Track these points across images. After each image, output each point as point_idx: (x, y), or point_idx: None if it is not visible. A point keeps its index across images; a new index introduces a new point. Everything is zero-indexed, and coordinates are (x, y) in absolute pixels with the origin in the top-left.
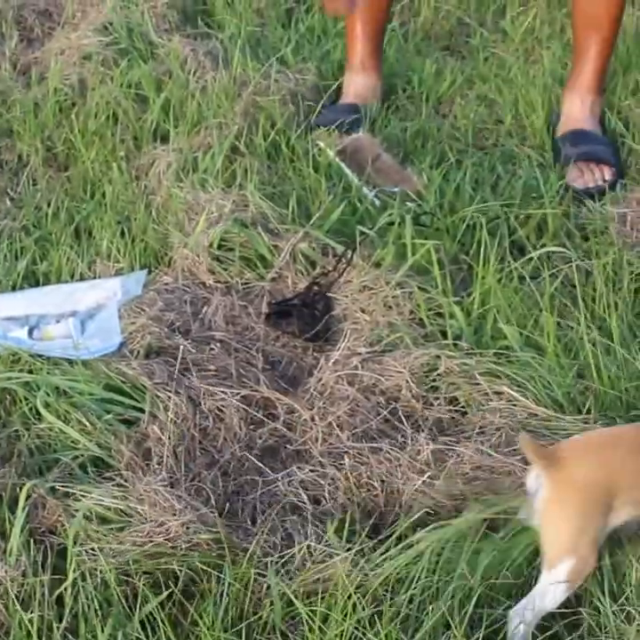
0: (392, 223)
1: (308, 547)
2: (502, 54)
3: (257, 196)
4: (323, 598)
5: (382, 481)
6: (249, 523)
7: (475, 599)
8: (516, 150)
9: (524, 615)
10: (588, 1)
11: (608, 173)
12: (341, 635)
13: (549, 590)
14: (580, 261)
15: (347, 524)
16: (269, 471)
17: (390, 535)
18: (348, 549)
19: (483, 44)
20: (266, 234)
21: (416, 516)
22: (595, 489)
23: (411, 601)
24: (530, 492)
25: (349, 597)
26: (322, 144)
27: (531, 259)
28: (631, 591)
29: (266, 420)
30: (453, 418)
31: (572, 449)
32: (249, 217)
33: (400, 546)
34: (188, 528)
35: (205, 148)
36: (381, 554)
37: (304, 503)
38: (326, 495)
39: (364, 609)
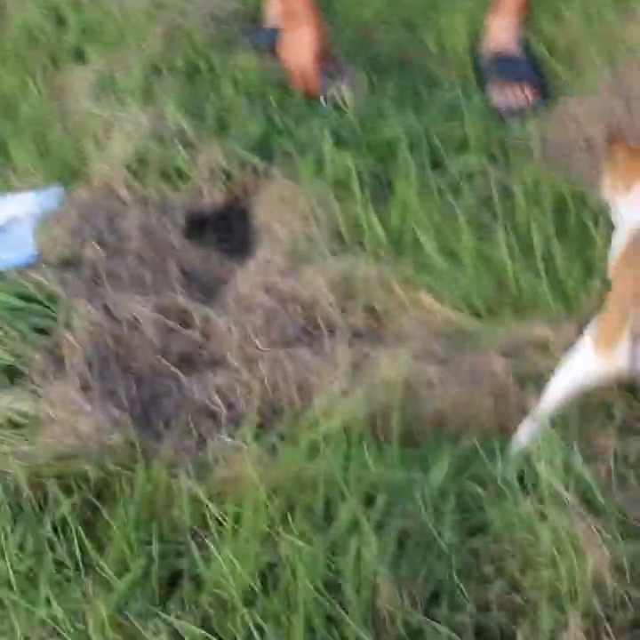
0: (312, 138)
1: (220, 448)
2: None
3: (175, 112)
4: (234, 498)
5: (299, 386)
6: (163, 427)
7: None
8: (439, 73)
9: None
10: None
11: (531, 94)
12: (254, 533)
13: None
14: (500, 176)
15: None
16: (184, 377)
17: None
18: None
19: None
20: (183, 148)
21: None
22: None
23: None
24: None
25: (259, 496)
26: None
27: (450, 173)
28: None
29: (181, 328)
30: (371, 326)
31: None
32: (167, 132)
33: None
34: (99, 430)
35: (124, 68)
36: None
37: (218, 407)
38: (241, 400)
39: (274, 507)
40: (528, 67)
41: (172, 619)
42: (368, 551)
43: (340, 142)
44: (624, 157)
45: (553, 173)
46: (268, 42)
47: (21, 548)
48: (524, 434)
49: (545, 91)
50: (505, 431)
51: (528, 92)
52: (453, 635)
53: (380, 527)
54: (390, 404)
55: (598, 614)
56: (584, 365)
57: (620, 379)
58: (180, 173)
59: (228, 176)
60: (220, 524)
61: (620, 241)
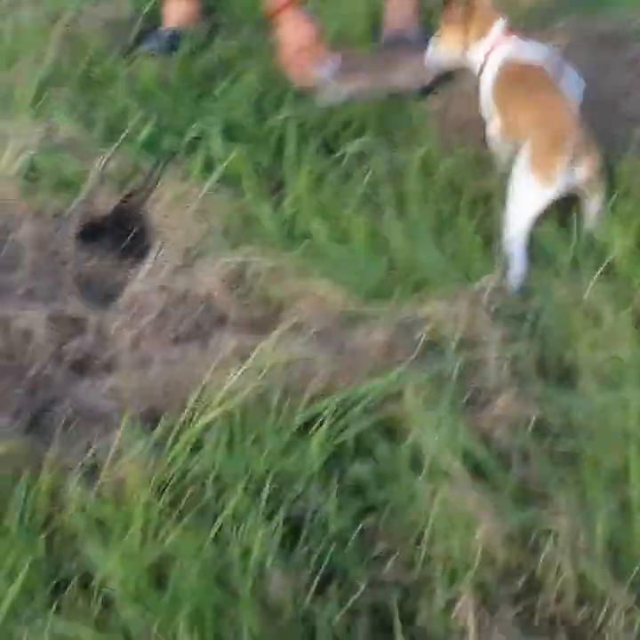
0: (199, 137)
1: (109, 450)
2: None
3: (66, 122)
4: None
5: (189, 382)
6: (56, 434)
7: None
8: None
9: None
10: None
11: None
12: (143, 531)
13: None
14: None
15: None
16: (76, 383)
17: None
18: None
19: None
20: (75, 158)
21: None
22: None
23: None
24: None
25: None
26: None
27: (343, 158)
28: None
29: (74, 335)
30: (266, 317)
31: None
32: (59, 143)
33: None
34: None
35: (20, 82)
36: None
37: (109, 410)
38: (132, 400)
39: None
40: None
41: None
42: (255, 540)
43: (231, 137)
44: (466, 13)
45: (450, 149)
46: (165, 44)
47: None
48: (512, 278)
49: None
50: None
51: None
52: (343, 616)
53: (269, 515)
54: (271, 388)
55: (490, 585)
56: (527, 200)
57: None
58: (73, 183)
59: (121, 180)
60: (108, 525)
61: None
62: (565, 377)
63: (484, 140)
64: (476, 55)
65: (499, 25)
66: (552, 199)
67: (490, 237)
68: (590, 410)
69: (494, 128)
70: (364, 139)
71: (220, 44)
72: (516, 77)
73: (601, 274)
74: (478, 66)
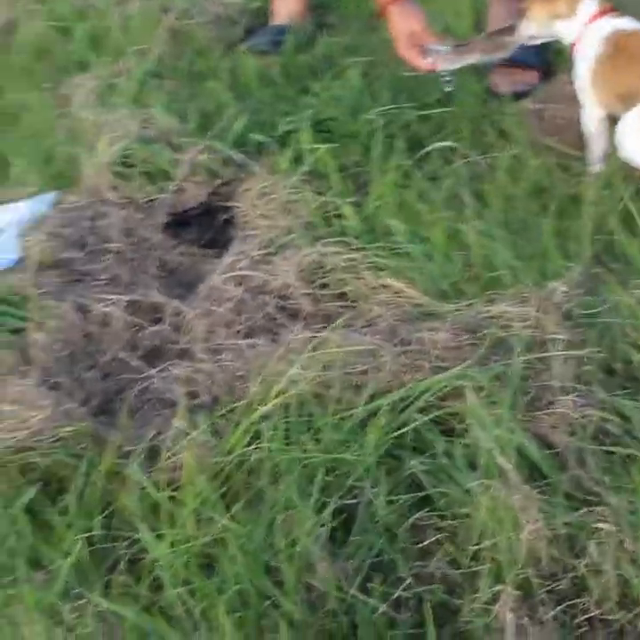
0: (291, 131)
1: (172, 436)
2: None
3: (163, 113)
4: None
5: (257, 373)
6: (125, 419)
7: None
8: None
9: None
10: None
11: (533, 77)
12: (195, 517)
13: None
14: (481, 157)
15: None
16: (147, 370)
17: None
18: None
19: None
20: (168, 149)
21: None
22: None
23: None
24: None
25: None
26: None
27: (429, 157)
28: None
29: (152, 322)
30: (341, 312)
31: None
32: (154, 134)
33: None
34: (52, 422)
35: (125, 74)
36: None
37: (177, 397)
38: (202, 389)
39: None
40: (531, 50)
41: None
42: (303, 531)
43: (322, 133)
44: None
45: (542, 152)
46: (271, 40)
47: None
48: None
49: (548, 73)
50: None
51: (531, 75)
52: (386, 608)
53: (320, 507)
54: (333, 380)
55: (534, 584)
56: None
57: None
58: (165, 173)
59: (212, 173)
60: (163, 509)
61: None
62: (632, 380)
63: (577, 143)
64: (570, 28)
65: (589, 3)
66: None
67: (569, 240)
68: None
69: (595, 101)
70: (451, 138)
71: (325, 42)
72: (627, 48)
73: None
74: (573, 38)
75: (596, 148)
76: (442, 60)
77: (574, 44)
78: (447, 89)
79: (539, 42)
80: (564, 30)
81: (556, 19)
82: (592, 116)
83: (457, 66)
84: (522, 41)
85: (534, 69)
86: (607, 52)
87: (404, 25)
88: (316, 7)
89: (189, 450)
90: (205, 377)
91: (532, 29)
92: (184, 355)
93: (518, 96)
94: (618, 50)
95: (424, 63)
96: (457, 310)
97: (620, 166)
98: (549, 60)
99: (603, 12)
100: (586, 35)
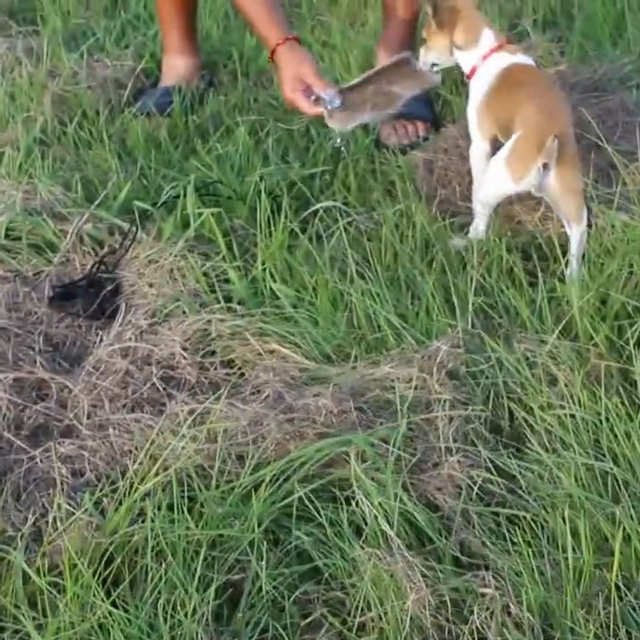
0: (177, 196)
1: (57, 517)
2: (330, 20)
3: (47, 183)
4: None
5: (142, 448)
6: (12, 502)
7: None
8: None
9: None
10: None
11: (422, 129)
12: (77, 602)
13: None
14: (367, 215)
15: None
16: (32, 450)
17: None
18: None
19: (312, 13)
20: (53, 219)
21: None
22: None
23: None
24: None
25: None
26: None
27: (315, 217)
28: None
29: (37, 400)
30: (228, 380)
31: None
32: (38, 204)
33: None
34: None
35: (11, 143)
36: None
37: (63, 477)
38: (87, 467)
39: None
40: (418, 100)
41: None
42: (187, 611)
43: (207, 197)
44: (453, 18)
45: (427, 207)
46: (159, 102)
47: None
48: (473, 228)
49: (437, 125)
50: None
51: (419, 127)
52: None
53: (205, 584)
54: (217, 452)
55: None
56: (498, 183)
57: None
58: (51, 244)
59: (98, 242)
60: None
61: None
62: (517, 438)
63: (466, 195)
64: (467, 59)
65: (490, 33)
66: (522, 191)
67: (454, 296)
68: (537, 473)
69: (483, 126)
70: (338, 197)
71: (214, 101)
72: (515, 79)
73: (563, 330)
74: (468, 69)
75: (479, 169)
76: (335, 120)
77: (470, 76)
78: (336, 146)
79: (439, 68)
80: (462, 61)
81: (454, 49)
82: (479, 152)
83: (349, 127)
84: (411, 92)
85: (423, 121)
86: (497, 86)
87: (292, 67)
88: (205, 66)
89: (71, 532)
90: (90, 454)
91: (432, 57)
92: (70, 432)
93: (407, 149)
94: (505, 82)
95: (310, 107)
96: (342, 373)
97: (502, 222)
98: (435, 112)
99: (500, 46)
100: (481, 67)
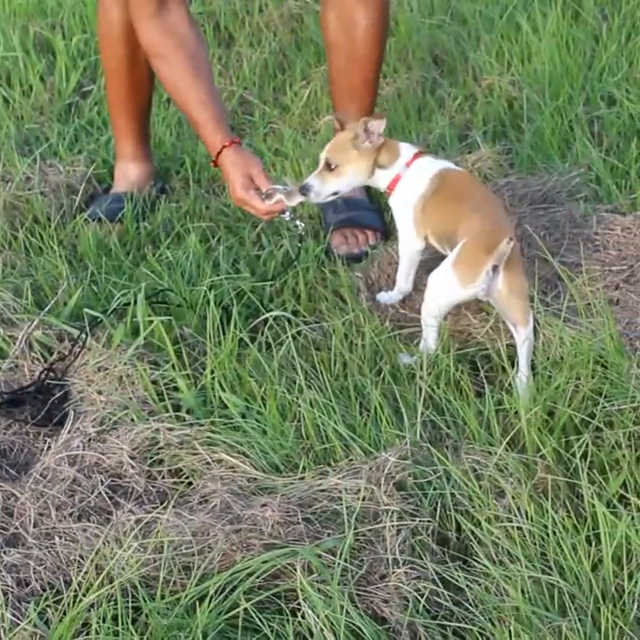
0: (128, 304)
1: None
2: (282, 128)
3: None
4: None
5: (87, 558)
6: None
7: None
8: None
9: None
10: (344, 74)
11: (371, 238)
12: None
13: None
14: (316, 325)
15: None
16: None
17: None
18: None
19: (265, 120)
20: (2, 325)
21: (94, 595)
22: None
23: None
24: None
25: None
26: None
27: (265, 325)
28: None
29: None
30: (175, 489)
31: None
32: None
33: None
34: None
35: None
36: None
37: (8, 587)
38: (32, 576)
39: None
40: (368, 210)
41: None
42: None
43: (157, 304)
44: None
45: (376, 317)
46: (110, 208)
47: None
48: (424, 349)
49: (385, 234)
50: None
51: (369, 236)
52: None
53: None
54: (163, 563)
55: None
56: (448, 290)
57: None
58: (0, 350)
59: (47, 349)
60: None
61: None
62: (464, 550)
63: (414, 304)
64: (388, 173)
65: (406, 144)
66: (470, 298)
67: (403, 406)
68: (484, 586)
69: (414, 235)
70: (288, 306)
71: (165, 207)
72: (454, 190)
73: (510, 442)
74: (389, 181)
75: (404, 273)
76: (286, 197)
77: (391, 187)
78: (298, 230)
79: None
80: (383, 177)
81: (376, 168)
82: (410, 244)
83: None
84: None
85: (373, 231)
86: (435, 190)
87: (240, 168)
88: (158, 173)
89: None
90: (36, 563)
91: (341, 185)
92: (16, 540)
93: (357, 257)
94: (443, 190)
95: (263, 204)
96: (290, 484)
97: (451, 334)
98: (386, 222)
99: (418, 154)
100: (407, 173)
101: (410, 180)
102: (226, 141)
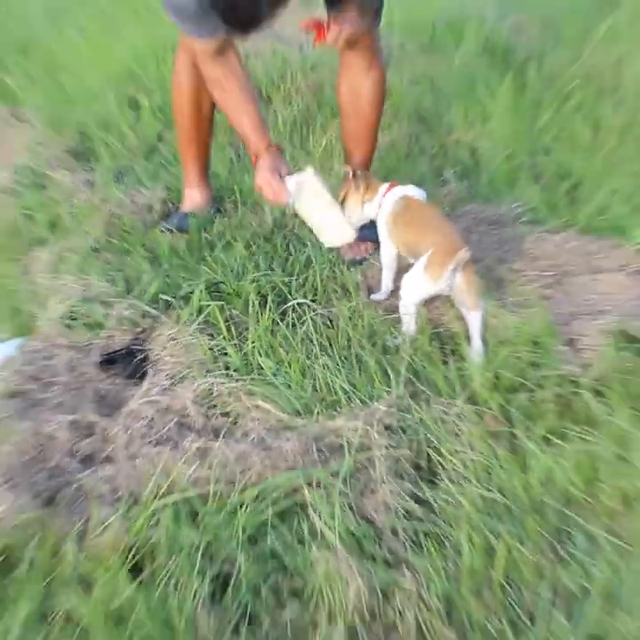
0: (191, 292)
1: (100, 521)
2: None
3: (97, 279)
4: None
5: (161, 472)
6: (64, 508)
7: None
8: (304, 235)
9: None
10: (352, 128)
11: (370, 248)
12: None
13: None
14: (328, 309)
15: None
16: (82, 471)
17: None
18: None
19: (294, 162)
20: (101, 306)
21: (164, 500)
22: None
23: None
24: None
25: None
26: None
27: (291, 309)
28: None
29: (87, 436)
30: (224, 426)
31: None
32: (91, 295)
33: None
34: (9, 512)
35: (73, 250)
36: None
37: (103, 492)
38: (122, 484)
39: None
40: (368, 229)
41: None
42: (188, 592)
43: (213, 293)
44: (363, 182)
45: (372, 306)
46: (180, 223)
47: None
48: (404, 333)
49: (378, 245)
50: (293, 495)
51: (369, 247)
52: None
53: (203, 573)
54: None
55: (357, 625)
56: (420, 286)
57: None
58: (99, 324)
59: (133, 323)
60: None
61: (390, 209)
62: (432, 474)
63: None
64: (371, 207)
65: (384, 185)
66: (437, 292)
67: (390, 370)
68: (446, 500)
69: (390, 247)
70: (308, 295)
71: (219, 222)
72: (413, 211)
73: (467, 398)
74: (375, 213)
75: (387, 277)
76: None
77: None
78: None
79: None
80: (369, 208)
81: (364, 203)
82: (388, 252)
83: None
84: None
85: (371, 242)
86: (396, 211)
87: (273, 162)
88: (215, 198)
89: (106, 533)
90: (123, 476)
91: (354, 217)
92: (109, 460)
93: (359, 262)
94: (403, 210)
95: (278, 184)
96: (307, 424)
97: (426, 321)
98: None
99: (392, 186)
100: (384, 202)
101: (384, 206)
102: (272, 145)
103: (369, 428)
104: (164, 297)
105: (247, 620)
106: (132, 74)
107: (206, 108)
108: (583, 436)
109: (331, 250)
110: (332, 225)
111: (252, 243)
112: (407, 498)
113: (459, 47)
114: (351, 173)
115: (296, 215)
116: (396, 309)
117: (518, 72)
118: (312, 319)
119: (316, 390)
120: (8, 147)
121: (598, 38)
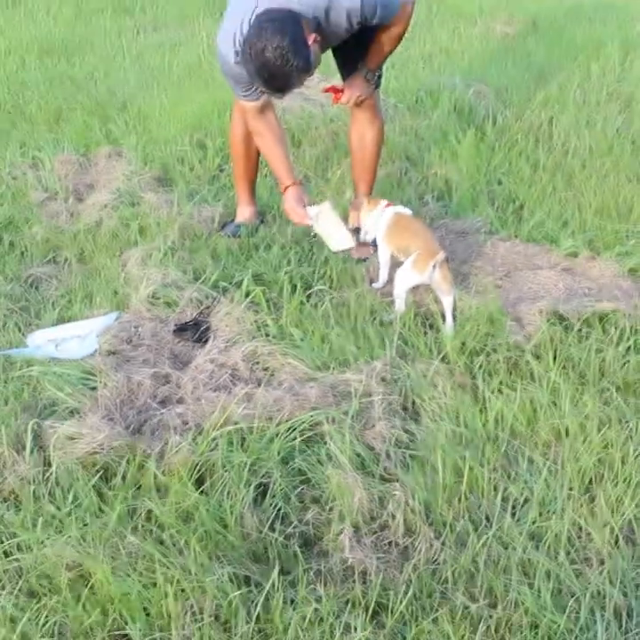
0: (242, 280)
1: (174, 445)
2: (325, 191)
3: (174, 270)
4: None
5: (219, 411)
6: (149, 436)
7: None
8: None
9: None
10: (359, 165)
11: (369, 250)
12: (180, 491)
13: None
14: (340, 294)
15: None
16: (161, 409)
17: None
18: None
19: (316, 188)
20: (176, 290)
21: (220, 431)
22: None
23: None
24: None
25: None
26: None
27: (314, 294)
28: None
29: (165, 383)
30: (265, 377)
31: None
32: (169, 281)
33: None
34: (108, 439)
35: (157, 249)
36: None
37: (177, 425)
38: (190, 419)
39: (191, 475)
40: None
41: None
42: (237, 497)
43: (257, 281)
44: (367, 199)
45: (372, 291)
46: (234, 230)
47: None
48: (396, 307)
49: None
50: (315, 428)
51: (368, 249)
52: (283, 540)
53: (248, 483)
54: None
55: (360, 524)
56: (409, 278)
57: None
58: (175, 302)
59: (199, 302)
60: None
61: (387, 221)
62: (416, 414)
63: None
64: (371, 219)
65: (382, 203)
66: (421, 282)
67: (386, 338)
68: (426, 432)
69: (386, 249)
70: (326, 283)
71: (262, 231)
72: (403, 223)
73: (442, 359)
74: (374, 223)
75: (383, 271)
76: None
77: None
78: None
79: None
80: (372, 219)
81: (369, 214)
82: (384, 253)
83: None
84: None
85: (369, 245)
86: (391, 223)
87: (297, 193)
88: (259, 212)
89: (178, 454)
90: (191, 413)
91: (367, 225)
92: (181, 400)
93: (363, 260)
94: (396, 223)
95: (302, 210)
96: (325, 376)
97: (412, 303)
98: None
99: (388, 205)
100: (382, 216)
101: (382, 219)
102: (297, 181)
103: (370, 379)
104: (222, 283)
105: (280, 519)
106: (201, 124)
107: (253, 148)
108: (526, 387)
109: (343, 252)
110: (338, 238)
111: (285, 245)
112: (398, 430)
113: (435, 108)
114: (357, 197)
115: (314, 235)
116: (390, 294)
117: (479, 127)
118: (329, 301)
119: (332, 352)
120: (111, 176)
121: (536, 103)
